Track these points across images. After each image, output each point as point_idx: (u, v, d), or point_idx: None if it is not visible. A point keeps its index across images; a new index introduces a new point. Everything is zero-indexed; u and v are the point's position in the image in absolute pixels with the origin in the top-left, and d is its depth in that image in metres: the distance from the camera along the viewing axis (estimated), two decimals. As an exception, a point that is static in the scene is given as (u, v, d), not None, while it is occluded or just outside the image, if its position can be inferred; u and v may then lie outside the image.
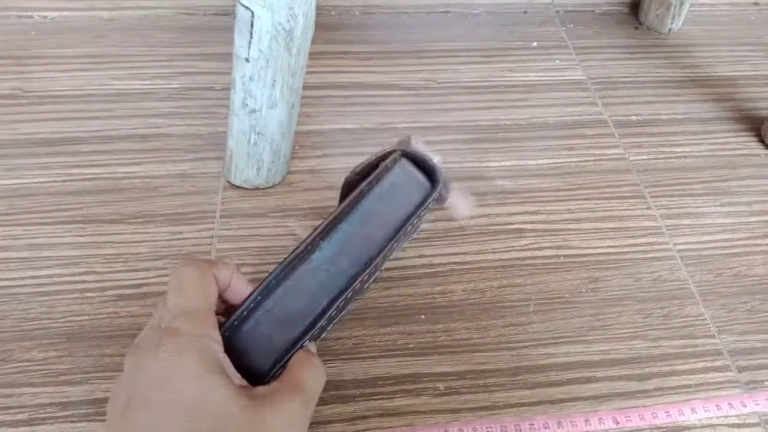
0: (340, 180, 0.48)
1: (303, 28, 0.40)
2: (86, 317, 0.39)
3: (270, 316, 0.29)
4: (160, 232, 0.44)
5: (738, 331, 0.41)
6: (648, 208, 0.48)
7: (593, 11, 0.67)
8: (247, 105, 0.42)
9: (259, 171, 0.46)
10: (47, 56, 0.56)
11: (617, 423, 0.36)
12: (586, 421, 0.36)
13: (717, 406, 0.37)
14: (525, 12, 0.66)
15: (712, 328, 0.41)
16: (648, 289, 0.43)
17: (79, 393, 0.35)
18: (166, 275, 0.41)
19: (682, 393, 0.38)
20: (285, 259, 0.30)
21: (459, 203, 0.42)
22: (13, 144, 0.49)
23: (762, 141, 0.54)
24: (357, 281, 0.30)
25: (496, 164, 0.51)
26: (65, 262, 0.41)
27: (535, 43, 0.62)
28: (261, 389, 0.27)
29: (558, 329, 0.40)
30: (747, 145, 0.54)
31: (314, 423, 0.35)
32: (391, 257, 0.32)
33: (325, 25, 0.62)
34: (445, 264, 0.43)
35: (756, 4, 0.69)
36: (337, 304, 0.30)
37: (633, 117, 0.56)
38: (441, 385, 0.37)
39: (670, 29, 0.65)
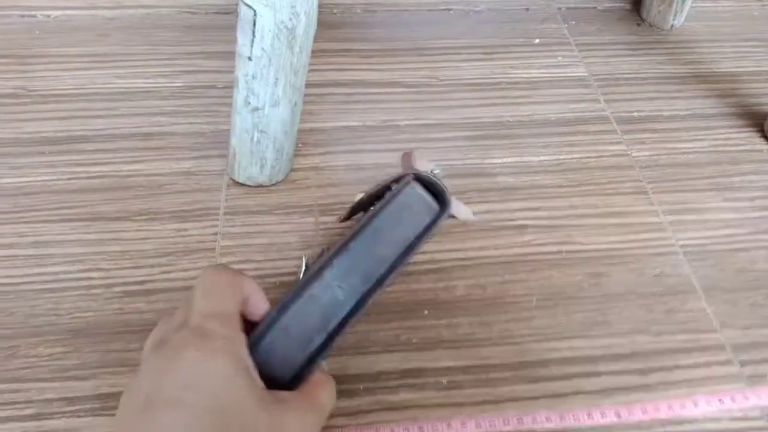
0: (343, 177, 0.49)
1: (305, 27, 0.40)
2: (92, 313, 0.39)
3: (286, 333, 0.30)
4: (165, 230, 0.44)
5: (741, 326, 0.41)
6: (650, 204, 0.48)
7: (595, 8, 0.67)
8: (249, 103, 0.42)
9: (262, 168, 0.46)
10: (50, 55, 0.56)
11: (619, 417, 0.36)
12: (589, 415, 0.36)
13: (719, 400, 0.37)
14: (527, 9, 0.66)
15: (714, 323, 0.41)
16: (650, 284, 0.43)
17: (85, 388, 0.36)
18: (171, 272, 0.41)
19: (684, 387, 0.38)
20: (301, 279, 0.31)
21: (459, 210, 0.42)
22: (17, 143, 0.49)
23: (765, 137, 0.54)
24: (369, 299, 0.31)
25: (499, 161, 0.51)
26: (71, 260, 0.42)
27: (537, 40, 0.63)
28: (284, 394, 0.28)
29: (560, 324, 0.40)
30: (750, 140, 0.54)
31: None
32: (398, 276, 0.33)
33: (328, 23, 0.62)
34: (448, 260, 0.43)
35: (758, -1, 0.69)
36: (349, 321, 0.31)
37: (635, 113, 0.56)
38: (444, 380, 0.37)
39: (672, 25, 0.65)
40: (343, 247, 0.31)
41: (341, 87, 0.56)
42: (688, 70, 0.61)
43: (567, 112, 0.55)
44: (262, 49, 0.40)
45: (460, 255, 0.44)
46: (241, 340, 0.27)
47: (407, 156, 0.37)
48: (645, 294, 0.42)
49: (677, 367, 0.39)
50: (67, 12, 0.60)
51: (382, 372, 0.38)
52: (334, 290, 0.31)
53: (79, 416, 0.35)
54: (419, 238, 0.33)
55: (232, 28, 0.40)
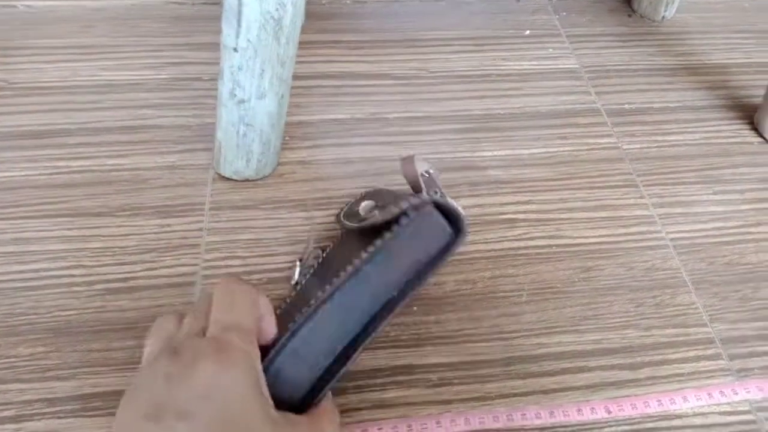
0: (331, 171, 0.48)
1: (292, 17, 0.39)
2: (73, 312, 0.38)
3: (295, 356, 0.30)
4: (149, 225, 0.43)
5: (730, 320, 0.41)
6: (641, 197, 0.48)
7: (586, -1, 0.67)
8: (235, 95, 0.41)
9: (248, 162, 0.45)
10: (32, 47, 0.55)
11: (609, 412, 0.36)
12: (579, 411, 0.36)
13: (708, 394, 0.37)
14: (518, 0, 0.66)
15: (704, 317, 0.41)
16: (640, 278, 0.43)
17: (66, 389, 0.35)
18: (155, 269, 0.41)
19: (674, 382, 0.38)
20: (311, 301, 0.31)
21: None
22: (-2, 136, 0.48)
23: (755, 129, 0.54)
24: (380, 325, 0.31)
25: (489, 154, 0.50)
26: (52, 256, 0.41)
27: (527, 32, 0.62)
28: (292, 416, 0.28)
29: (550, 319, 0.40)
30: (740, 133, 0.54)
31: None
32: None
33: (316, 14, 0.61)
34: (437, 255, 0.43)
35: (749, -9, 0.69)
36: (359, 345, 0.31)
37: (626, 105, 0.55)
38: (434, 377, 0.37)
39: (663, 17, 0.65)
40: (355, 270, 0.31)
41: (329, 79, 0.55)
42: (678, 61, 0.60)
43: (558, 104, 0.55)
44: (248, 40, 0.39)
45: (449, 250, 0.43)
46: (257, 355, 0.27)
47: (408, 161, 0.36)
48: (635, 288, 0.42)
49: (666, 361, 0.39)
50: (50, 3, 0.59)
51: (371, 369, 0.37)
52: (346, 313, 0.31)
53: (60, 417, 0.34)
54: (432, 265, 0.32)
55: (220, 18, 0.39)
